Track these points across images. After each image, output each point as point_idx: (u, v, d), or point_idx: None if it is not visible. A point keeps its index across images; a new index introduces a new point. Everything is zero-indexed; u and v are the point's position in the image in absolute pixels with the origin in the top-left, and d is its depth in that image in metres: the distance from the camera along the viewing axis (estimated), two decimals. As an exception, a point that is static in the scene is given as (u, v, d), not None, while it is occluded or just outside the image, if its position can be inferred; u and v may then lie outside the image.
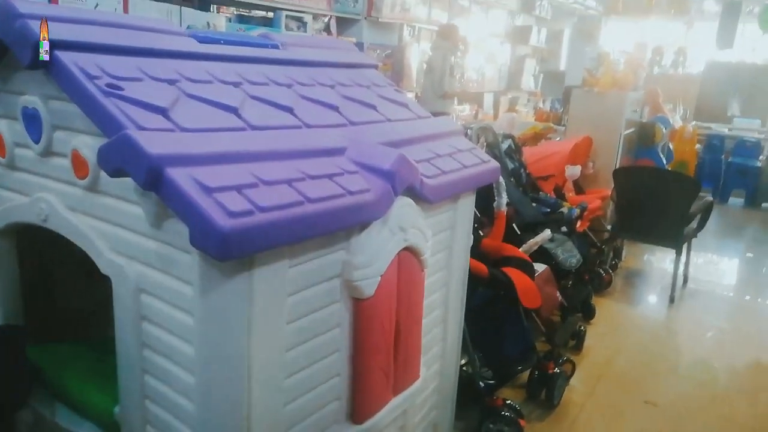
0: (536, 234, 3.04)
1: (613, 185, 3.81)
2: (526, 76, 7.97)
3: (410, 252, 1.47)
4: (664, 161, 5.10)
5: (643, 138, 4.92)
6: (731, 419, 2.41)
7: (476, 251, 2.31)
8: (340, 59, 1.89)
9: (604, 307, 3.45)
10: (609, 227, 4.22)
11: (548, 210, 3.41)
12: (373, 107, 1.71)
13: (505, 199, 2.36)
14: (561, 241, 3.09)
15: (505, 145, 3.62)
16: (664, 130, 4.95)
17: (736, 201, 6.80)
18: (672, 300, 3.57)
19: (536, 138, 4.56)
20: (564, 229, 3.37)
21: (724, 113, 9.12)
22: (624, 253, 4.25)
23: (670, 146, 5.96)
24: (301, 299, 1.19)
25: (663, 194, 3.46)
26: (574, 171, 4.00)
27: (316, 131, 1.41)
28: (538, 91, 8.51)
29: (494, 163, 1.87)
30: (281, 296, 1.13)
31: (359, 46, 4.76)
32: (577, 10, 9.93)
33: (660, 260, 4.38)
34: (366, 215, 1.27)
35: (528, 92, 8.24)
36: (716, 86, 9.30)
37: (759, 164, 6.72)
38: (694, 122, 7.83)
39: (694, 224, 3.65)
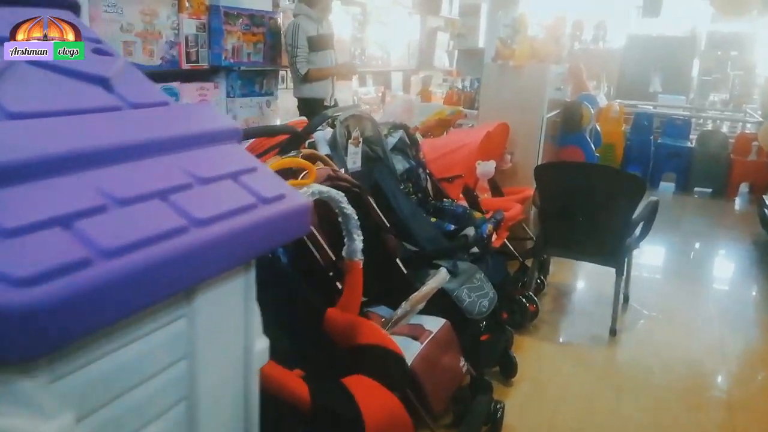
0: (435, 267, 2.15)
1: (535, 185, 2.95)
2: (439, 52, 7.07)
3: None
4: (593, 147, 4.36)
5: (569, 121, 4.14)
6: None
7: (316, 332, 1.36)
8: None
9: (527, 351, 2.61)
10: (532, 236, 3.39)
11: (452, 228, 2.51)
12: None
13: (359, 242, 1.41)
14: (467, 274, 2.20)
15: (393, 139, 2.69)
16: (591, 111, 4.18)
17: (667, 186, 6.22)
18: (613, 333, 2.77)
19: (442, 125, 3.67)
20: (475, 249, 2.49)
21: (645, 90, 8.67)
22: (551, 266, 3.43)
23: (598, 128, 5.27)
24: None
25: (599, 199, 2.64)
26: (487, 168, 3.14)
27: None
28: (454, 70, 7.66)
29: (298, 199, 0.91)
30: None
31: (214, 10, 3.67)
32: (493, -20, 9.11)
33: (594, 271, 3.60)
34: None
35: (443, 71, 7.36)
36: (637, 62, 8.84)
37: (690, 145, 6.16)
38: (617, 101, 7.24)
39: (636, 231, 2.86)
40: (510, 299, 2.75)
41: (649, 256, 4.01)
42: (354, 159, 2.30)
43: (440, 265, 2.17)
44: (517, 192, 3.38)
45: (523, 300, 2.76)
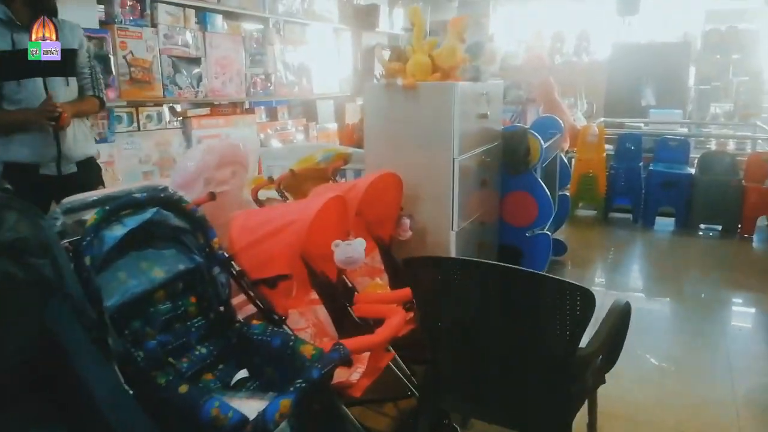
0: None
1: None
2: (382, 73, 5.92)
3: None
4: (547, 192, 3.13)
5: (512, 159, 2.94)
6: None
7: None
8: None
9: None
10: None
11: (216, 405, 1.29)
12: None
13: None
14: None
15: (123, 228, 1.48)
16: (541, 142, 2.97)
17: (664, 223, 4.98)
18: None
19: (314, 178, 2.46)
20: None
21: (637, 104, 7.46)
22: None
23: (564, 158, 4.06)
24: None
25: (519, 324, 1.42)
26: (351, 252, 1.92)
27: None
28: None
29: None
30: None
31: None
32: (456, -9, 8.03)
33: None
34: None
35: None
36: (626, 73, 7.64)
37: (690, 170, 4.92)
38: (601, 119, 6.07)
39: (595, 362, 1.63)
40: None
41: (632, 336, 2.75)
42: (-33, 295, 1.11)
43: None
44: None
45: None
